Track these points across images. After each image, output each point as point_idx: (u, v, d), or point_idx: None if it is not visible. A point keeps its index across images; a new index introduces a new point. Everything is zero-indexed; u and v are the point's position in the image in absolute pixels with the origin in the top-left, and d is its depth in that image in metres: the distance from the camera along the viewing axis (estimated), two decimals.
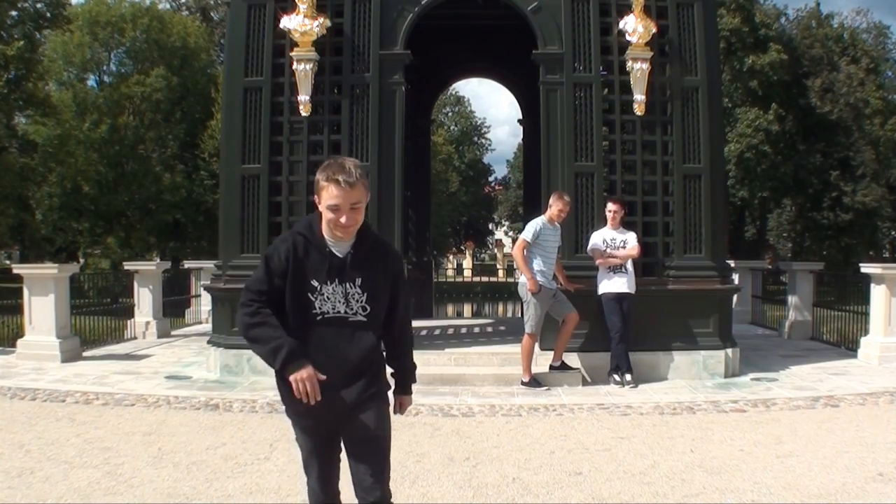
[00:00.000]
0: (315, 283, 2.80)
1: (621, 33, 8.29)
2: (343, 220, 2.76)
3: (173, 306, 13.69)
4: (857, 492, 4.59)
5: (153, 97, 28.74)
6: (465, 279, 28.38)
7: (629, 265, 7.99)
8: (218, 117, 23.99)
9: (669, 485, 4.73)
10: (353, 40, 8.41)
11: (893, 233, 36.40)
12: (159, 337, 11.85)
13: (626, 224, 8.18)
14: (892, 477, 4.86)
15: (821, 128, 29.90)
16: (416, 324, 3.86)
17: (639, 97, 8.27)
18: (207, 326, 11.69)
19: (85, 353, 9.87)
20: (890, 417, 6.55)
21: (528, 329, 7.74)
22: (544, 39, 8.43)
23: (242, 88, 8.50)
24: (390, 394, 3.07)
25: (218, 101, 24.45)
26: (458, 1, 9.57)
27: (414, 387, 3.19)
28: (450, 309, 21.16)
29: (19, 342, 9.55)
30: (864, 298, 9.96)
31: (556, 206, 7.72)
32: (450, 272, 32.26)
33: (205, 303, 13.09)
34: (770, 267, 18.74)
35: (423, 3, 8.45)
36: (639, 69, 8.22)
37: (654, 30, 8.23)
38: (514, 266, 8.52)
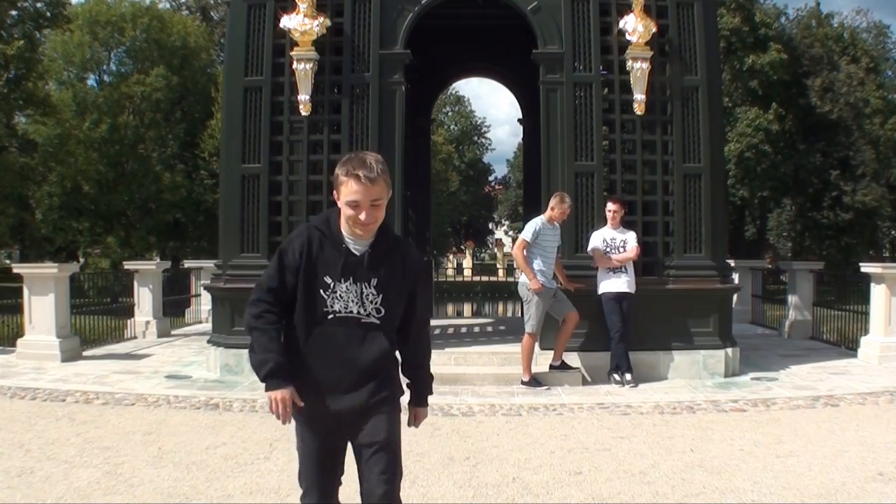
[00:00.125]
0: (328, 280, 2.72)
1: (621, 33, 8.29)
2: (363, 216, 2.67)
3: (173, 306, 13.70)
4: (857, 491, 4.59)
5: (153, 97, 28.73)
6: (465, 279, 28.38)
7: (629, 265, 7.99)
8: (218, 117, 23.98)
9: (669, 484, 4.73)
10: (353, 40, 8.41)
11: (893, 232, 36.38)
12: (159, 336, 11.85)
13: (626, 223, 8.18)
14: (892, 477, 4.86)
15: (821, 127, 29.89)
16: None
17: (639, 97, 8.27)
18: (207, 326, 11.69)
19: (85, 353, 9.87)
20: (890, 417, 6.55)
21: (528, 328, 7.74)
22: (544, 39, 8.42)
23: (242, 88, 8.50)
24: (404, 401, 2.94)
25: (218, 101, 24.44)
26: (458, 1, 9.57)
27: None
28: (450, 308, 21.17)
29: (19, 342, 9.56)
30: (864, 298, 9.97)
31: (557, 209, 7.72)
32: (450, 272, 32.23)
33: (205, 302, 13.09)
34: (770, 266, 18.74)
35: (423, 2, 8.44)
36: (639, 69, 8.22)
37: (654, 29, 8.23)
38: (515, 266, 8.52)
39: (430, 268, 12.70)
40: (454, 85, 36.72)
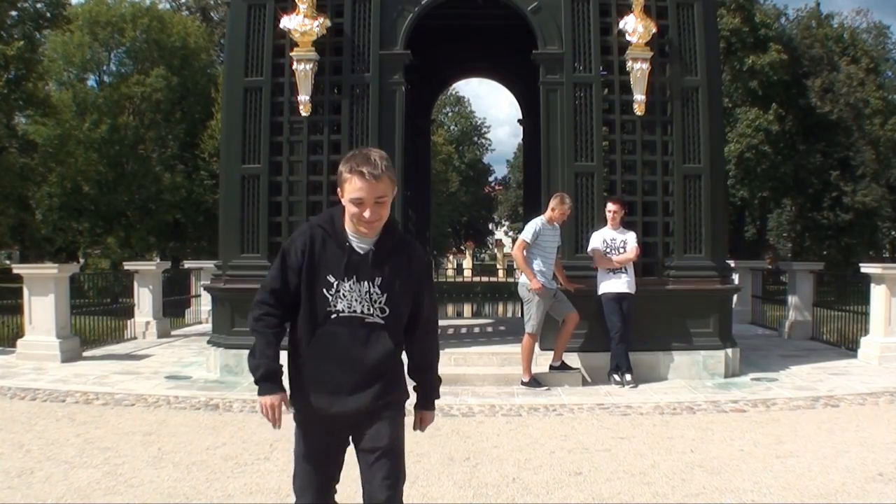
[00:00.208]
0: (331, 279, 2.67)
1: (621, 33, 8.29)
2: (367, 214, 2.61)
3: (173, 306, 13.69)
4: (857, 492, 4.59)
5: (153, 97, 28.74)
6: (465, 279, 28.38)
7: (629, 265, 7.99)
8: (218, 117, 23.99)
9: (669, 485, 4.73)
10: (353, 40, 8.41)
11: (893, 233, 36.40)
12: (159, 337, 11.85)
13: (626, 224, 8.18)
14: (892, 477, 4.86)
15: (821, 128, 29.90)
16: None
17: (639, 97, 8.27)
18: (207, 326, 11.69)
19: (85, 353, 9.87)
20: (890, 417, 6.55)
21: (528, 329, 7.74)
22: (544, 39, 8.43)
23: (242, 88, 8.50)
24: (410, 404, 2.89)
25: (218, 101, 24.45)
26: (458, 1, 9.57)
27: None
28: (450, 309, 21.15)
29: (19, 342, 9.55)
30: (864, 298, 9.96)
31: (557, 210, 7.72)
32: (450, 272, 32.25)
33: (205, 303, 13.09)
34: (770, 267, 18.74)
35: (423, 3, 8.44)
36: (639, 69, 8.22)
37: (654, 30, 8.23)
38: (515, 266, 8.52)
39: (430, 268, 12.70)
40: (454, 85, 36.68)
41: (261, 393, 2.72)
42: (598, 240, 8.01)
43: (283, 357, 2.77)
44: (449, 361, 8.15)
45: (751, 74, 28.13)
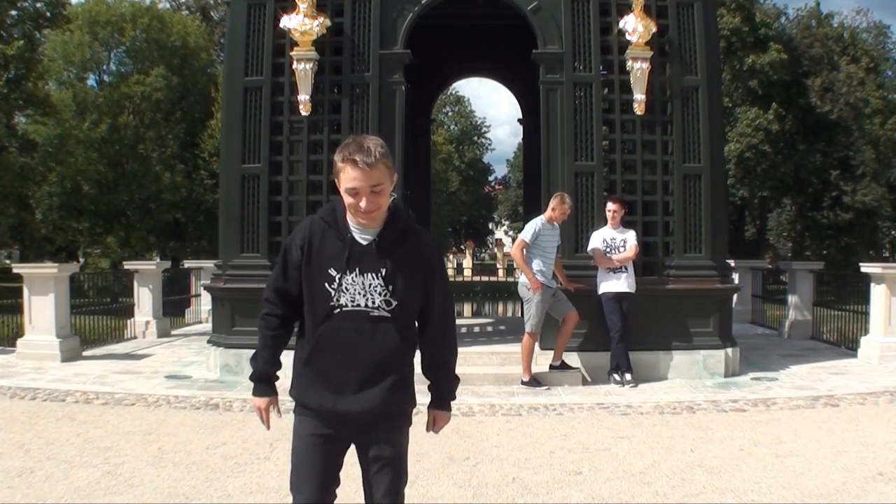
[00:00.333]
0: (333, 273, 2.58)
1: (621, 33, 8.29)
2: (363, 204, 2.52)
3: (173, 306, 13.70)
4: (857, 491, 4.59)
5: (153, 97, 28.73)
6: (465, 279, 28.36)
7: (629, 265, 7.99)
8: (218, 117, 23.99)
9: (669, 484, 4.73)
10: (353, 40, 8.41)
11: (893, 232, 36.38)
12: (159, 336, 11.85)
13: (627, 223, 8.18)
14: (892, 477, 4.86)
15: (821, 127, 29.87)
16: None
17: (639, 97, 8.27)
18: (207, 326, 11.69)
19: (85, 353, 9.87)
20: (890, 417, 6.56)
21: (528, 328, 7.74)
22: (544, 39, 8.42)
23: (242, 88, 8.50)
24: (422, 409, 2.81)
25: (218, 101, 24.44)
26: (458, 1, 9.57)
27: (416, 387, 2.81)
28: None
29: (19, 342, 9.56)
30: (864, 298, 9.97)
31: (558, 210, 7.71)
32: (450, 271, 32.24)
33: (205, 302, 13.09)
34: (770, 266, 18.74)
35: (423, 2, 8.44)
36: (639, 69, 8.22)
37: (654, 29, 8.23)
38: (515, 266, 8.52)
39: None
40: (454, 85, 36.72)
41: (253, 394, 2.78)
42: (597, 239, 8.01)
43: (285, 357, 2.76)
44: None
45: (751, 74, 28.10)
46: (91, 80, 31.07)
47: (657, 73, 8.41)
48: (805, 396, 7.31)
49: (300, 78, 8.29)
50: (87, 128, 27.72)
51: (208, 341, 8.81)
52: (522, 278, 7.86)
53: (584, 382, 7.94)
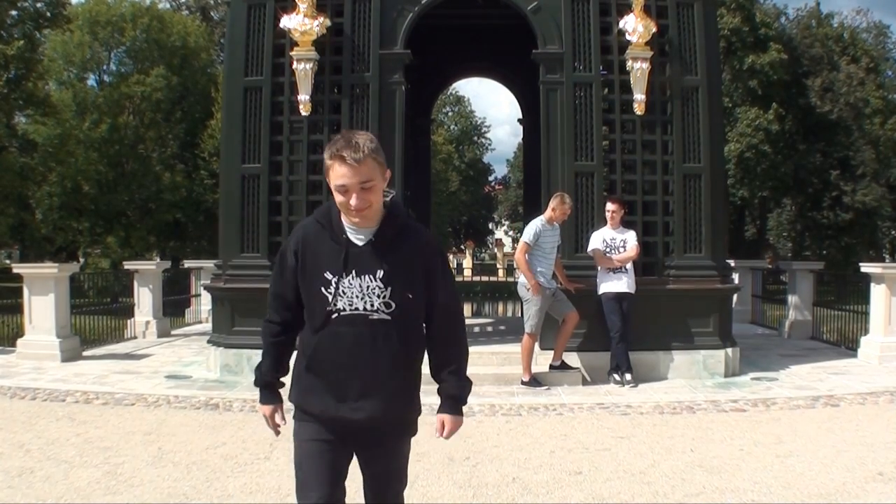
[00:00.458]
0: (329, 276, 2.49)
1: (621, 33, 8.29)
2: (353, 202, 2.42)
3: (173, 306, 13.70)
4: (857, 491, 4.59)
5: (153, 97, 28.72)
6: (465, 279, 28.35)
7: (629, 265, 7.99)
8: (218, 117, 23.98)
9: (669, 484, 4.73)
10: (353, 40, 8.41)
11: (893, 232, 36.37)
12: (159, 336, 11.85)
13: (627, 223, 8.18)
14: (892, 476, 4.86)
15: (821, 127, 29.87)
16: None
17: (639, 97, 8.27)
18: (207, 326, 11.69)
19: (85, 353, 9.87)
20: (890, 417, 6.56)
21: (527, 329, 7.73)
22: (544, 39, 8.42)
23: (242, 88, 8.50)
24: (420, 418, 2.72)
25: (218, 101, 24.44)
26: (458, 1, 9.57)
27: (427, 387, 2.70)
28: None
29: (19, 342, 9.56)
30: (864, 298, 9.97)
31: (558, 210, 7.71)
32: None
33: (205, 302, 13.09)
34: (770, 266, 18.73)
35: (423, 2, 8.45)
36: (639, 69, 8.22)
37: (654, 29, 8.23)
38: (515, 266, 8.52)
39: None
40: (454, 85, 36.73)
41: (259, 401, 2.76)
42: (597, 240, 8.01)
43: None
44: None
45: (751, 74, 28.09)
46: (91, 80, 31.08)
47: (657, 73, 8.41)
48: (805, 396, 7.31)
49: (300, 78, 8.29)
50: (87, 128, 27.72)
51: (208, 341, 8.81)
52: (522, 278, 7.86)
53: (584, 382, 7.94)
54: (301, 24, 8.18)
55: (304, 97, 8.30)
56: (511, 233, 64.02)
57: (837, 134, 29.88)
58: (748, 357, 9.08)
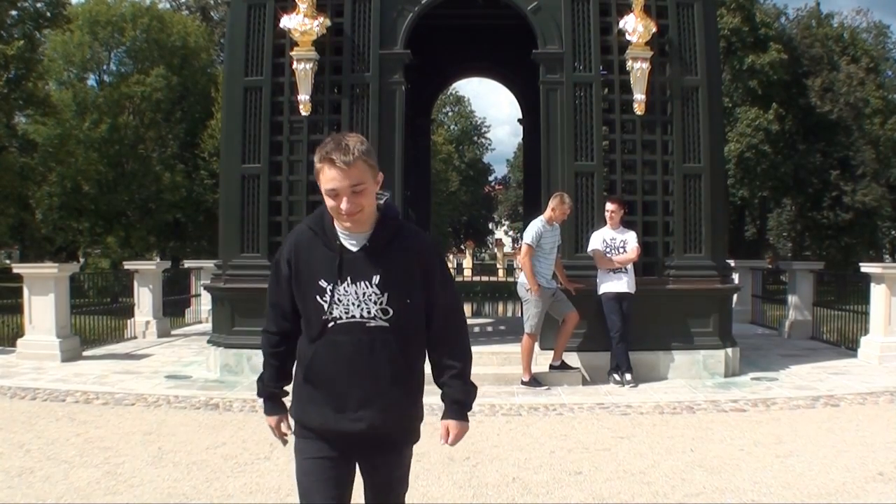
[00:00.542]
0: (324, 284, 2.42)
1: (621, 33, 8.29)
2: (344, 205, 2.35)
3: (173, 306, 13.70)
4: (857, 491, 4.59)
5: (153, 97, 28.73)
6: (465, 279, 28.38)
7: (629, 265, 7.98)
8: (218, 117, 23.98)
9: (669, 484, 4.73)
10: (353, 40, 8.41)
11: (893, 232, 36.38)
12: (159, 336, 11.85)
13: (627, 223, 8.17)
14: (892, 476, 4.86)
15: (821, 127, 29.87)
16: None
17: (639, 97, 8.26)
18: (207, 326, 11.69)
19: (85, 353, 9.87)
20: (890, 417, 6.56)
21: (527, 329, 7.73)
22: (544, 39, 8.42)
23: (242, 88, 8.50)
24: (422, 425, 2.66)
25: (218, 101, 24.45)
26: (458, 1, 9.57)
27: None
28: None
29: (19, 342, 9.56)
30: (864, 298, 9.97)
31: (558, 210, 7.70)
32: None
33: (205, 302, 13.09)
34: (770, 266, 18.73)
35: (423, 2, 8.45)
36: (639, 69, 8.22)
37: (654, 29, 8.23)
38: (515, 266, 8.52)
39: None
40: (454, 85, 36.71)
41: (264, 412, 2.73)
42: (597, 240, 8.01)
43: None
44: None
45: (751, 74, 28.10)
46: (91, 80, 31.10)
47: (657, 73, 8.41)
48: (805, 396, 7.31)
49: (300, 78, 8.29)
50: (87, 128, 27.73)
51: (208, 341, 8.81)
52: (521, 279, 7.85)
53: (584, 382, 7.94)
54: (301, 24, 8.17)
55: (304, 97, 8.30)
56: (511, 233, 64.05)
57: (837, 134, 29.89)
58: (748, 357, 9.08)
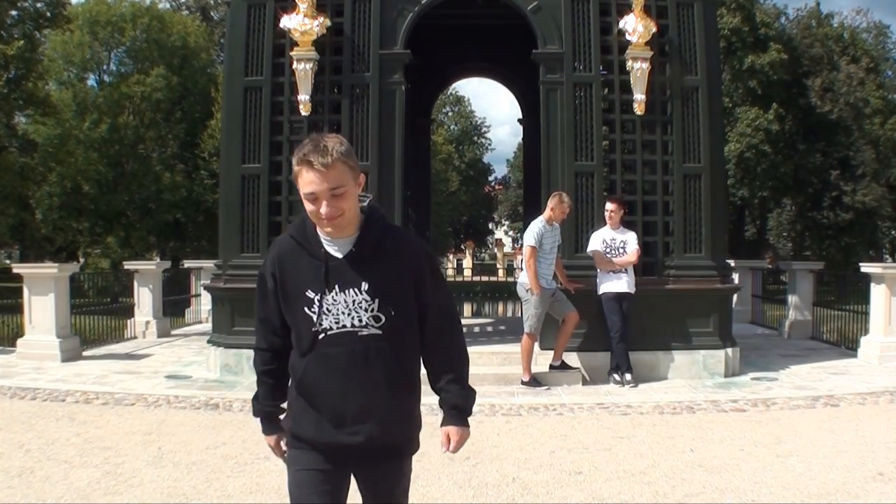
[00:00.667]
0: (311, 294, 2.32)
1: (621, 33, 8.29)
2: (324, 210, 2.24)
3: (173, 306, 13.70)
4: (857, 491, 4.59)
5: (153, 97, 28.74)
6: (465, 279, 28.37)
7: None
8: (218, 117, 23.99)
9: (669, 484, 4.73)
10: (353, 40, 8.41)
11: (893, 232, 36.39)
12: (159, 336, 11.85)
13: (627, 223, 8.17)
14: (892, 476, 4.86)
15: (821, 127, 29.88)
16: None
17: (639, 97, 8.26)
18: (207, 326, 11.69)
19: (85, 353, 9.87)
20: (890, 417, 6.56)
21: (527, 329, 7.73)
22: (544, 39, 8.43)
23: (242, 88, 8.50)
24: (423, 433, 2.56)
25: (218, 101, 24.45)
26: (458, 1, 9.57)
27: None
28: None
29: (19, 342, 9.56)
30: (864, 298, 9.97)
31: (557, 209, 7.69)
32: (450, 272, 32.24)
33: (205, 302, 13.09)
34: (770, 266, 18.74)
35: (423, 2, 8.45)
36: (639, 69, 8.22)
37: (654, 29, 8.23)
38: (515, 266, 8.53)
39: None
40: (454, 85, 36.71)
41: (262, 431, 2.63)
42: (597, 241, 8.00)
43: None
44: None
45: (751, 74, 28.10)
46: (91, 81, 31.10)
47: (657, 73, 8.41)
48: (805, 396, 7.31)
49: (300, 78, 8.29)
50: (87, 128, 27.73)
51: (208, 341, 8.81)
52: (521, 278, 7.85)
53: (584, 382, 7.94)
54: (301, 24, 8.18)
55: (304, 97, 8.30)
56: (511, 233, 64.05)
57: (837, 134, 29.90)
58: (748, 357, 9.08)
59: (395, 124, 8.42)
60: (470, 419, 2.56)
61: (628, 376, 7.79)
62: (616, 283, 7.93)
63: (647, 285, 8.20)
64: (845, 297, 12.17)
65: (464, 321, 12.92)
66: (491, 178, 62.57)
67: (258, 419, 2.60)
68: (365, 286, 2.31)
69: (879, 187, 29.85)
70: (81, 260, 31.90)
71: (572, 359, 8.07)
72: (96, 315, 11.42)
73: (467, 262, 42.75)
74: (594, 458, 5.29)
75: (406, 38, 8.44)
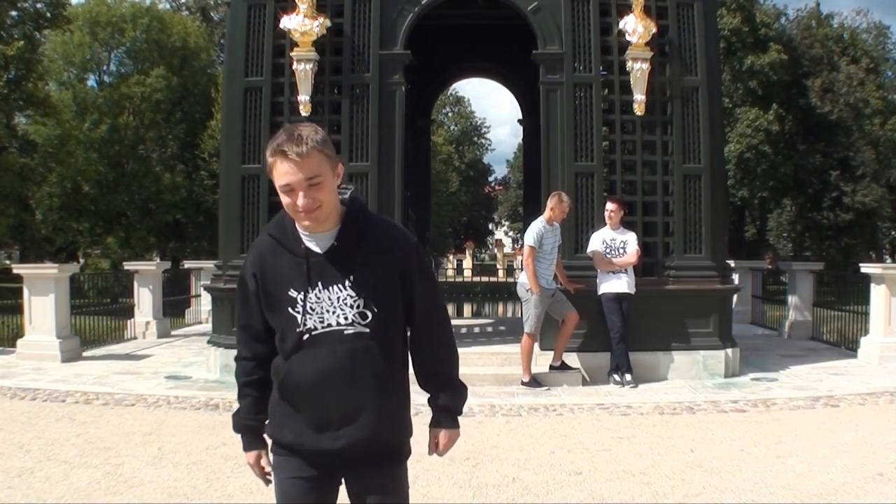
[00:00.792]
0: (293, 294, 2.20)
1: (621, 33, 8.29)
2: (300, 202, 2.13)
3: (173, 306, 13.70)
4: (857, 491, 4.59)
5: (153, 97, 28.77)
6: (465, 279, 28.39)
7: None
8: (218, 117, 24.01)
9: (669, 485, 4.73)
10: (353, 40, 8.41)
11: (893, 233, 36.41)
12: (159, 337, 11.85)
13: (627, 224, 8.17)
14: (892, 477, 4.86)
15: (821, 128, 29.90)
16: None
17: (639, 97, 8.26)
18: (207, 326, 11.68)
19: (85, 353, 9.87)
20: (890, 417, 6.55)
21: (527, 329, 7.73)
22: (544, 39, 8.43)
23: (242, 88, 8.50)
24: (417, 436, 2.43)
25: (218, 101, 24.47)
26: (458, 1, 9.57)
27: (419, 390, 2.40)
28: (449, 309, 21.08)
29: (19, 342, 9.56)
30: (864, 298, 9.97)
31: (557, 209, 7.69)
32: (450, 272, 32.25)
33: (205, 303, 13.09)
34: (770, 267, 18.74)
35: (423, 2, 8.44)
36: (639, 69, 8.22)
37: (654, 30, 8.22)
38: (515, 266, 8.53)
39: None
40: (454, 85, 36.69)
41: (243, 448, 2.53)
42: (597, 241, 8.00)
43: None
44: None
45: (751, 74, 28.13)
46: (91, 81, 31.16)
47: (657, 73, 8.41)
48: (805, 397, 7.30)
49: (300, 78, 8.29)
50: (87, 128, 27.76)
51: (208, 342, 8.81)
52: (521, 279, 7.85)
53: (584, 383, 7.93)
54: (301, 24, 8.17)
55: (304, 98, 8.29)
56: (511, 233, 64.07)
57: (837, 134, 29.93)
58: (748, 357, 9.08)
59: (395, 125, 8.41)
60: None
61: (628, 377, 7.79)
62: (616, 284, 7.93)
63: (647, 286, 8.19)
64: (845, 297, 12.17)
65: (464, 322, 12.94)
66: (491, 179, 62.66)
67: (241, 436, 2.48)
68: (349, 282, 2.20)
69: (879, 188, 29.88)
70: (81, 260, 31.91)
71: (572, 359, 8.07)
72: (96, 315, 11.41)
73: (467, 263, 42.75)
74: (594, 459, 5.29)
75: (406, 38, 8.44)
